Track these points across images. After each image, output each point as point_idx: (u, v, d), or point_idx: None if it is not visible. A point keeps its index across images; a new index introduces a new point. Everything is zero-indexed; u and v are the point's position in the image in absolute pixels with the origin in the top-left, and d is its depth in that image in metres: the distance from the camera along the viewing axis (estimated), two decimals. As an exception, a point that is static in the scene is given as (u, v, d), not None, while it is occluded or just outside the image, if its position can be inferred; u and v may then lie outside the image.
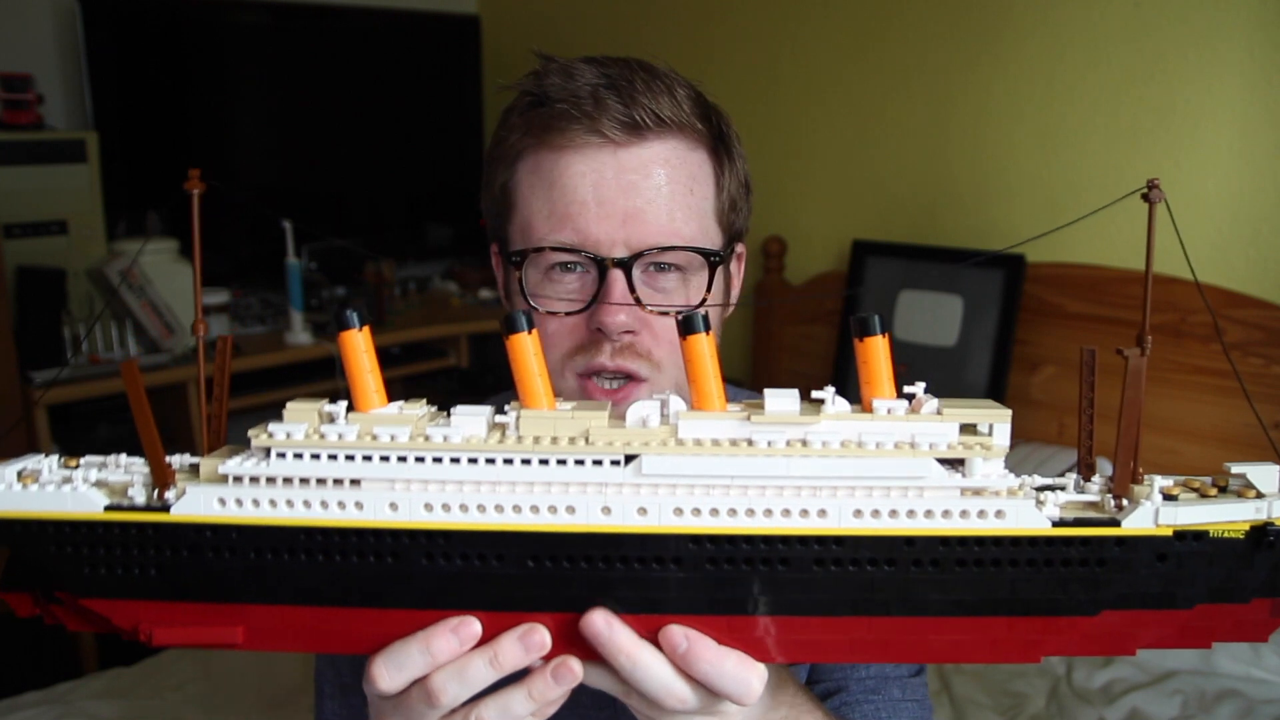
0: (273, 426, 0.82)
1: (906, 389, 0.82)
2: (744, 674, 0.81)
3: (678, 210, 1.10)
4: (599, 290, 1.09)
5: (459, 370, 3.90)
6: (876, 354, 0.81)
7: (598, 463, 0.80)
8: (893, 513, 0.80)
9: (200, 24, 3.71)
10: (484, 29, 4.33)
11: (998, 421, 0.80)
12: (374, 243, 3.98)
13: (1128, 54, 2.73)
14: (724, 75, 3.63)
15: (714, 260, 1.13)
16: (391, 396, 0.85)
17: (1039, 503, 0.81)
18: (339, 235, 3.92)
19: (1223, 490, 0.83)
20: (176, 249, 3.33)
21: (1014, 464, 0.83)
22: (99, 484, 0.85)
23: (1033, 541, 0.80)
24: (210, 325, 3.35)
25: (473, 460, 0.81)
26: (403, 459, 0.81)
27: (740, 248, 1.25)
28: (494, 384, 3.55)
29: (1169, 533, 0.80)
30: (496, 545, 0.80)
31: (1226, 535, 0.81)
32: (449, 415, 0.83)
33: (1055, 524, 0.80)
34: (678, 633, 0.81)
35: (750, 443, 0.80)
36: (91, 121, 3.42)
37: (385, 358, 4.49)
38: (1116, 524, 0.80)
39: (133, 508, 0.83)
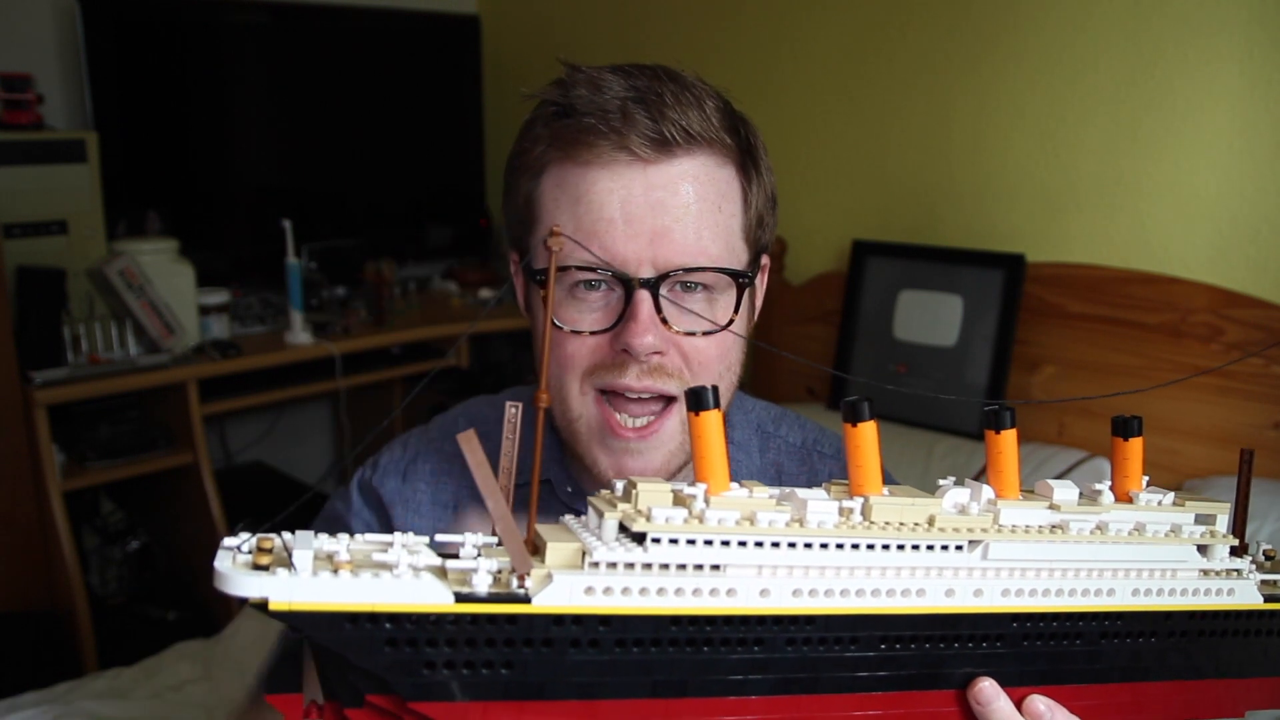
0: (654, 510, 0.77)
1: (1146, 481, 0.94)
2: None
3: (705, 229, 1.09)
4: (625, 310, 1.07)
5: (459, 371, 3.89)
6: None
7: (944, 547, 0.84)
8: (1159, 591, 0.92)
9: (200, 24, 3.71)
10: (484, 29, 4.33)
11: (1220, 513, 0.94)
12: (374, 243, 3.97)
13: (1127, 53, 2.73)
14: (724, 75, 3.61)
15: (741, 281, 1.12)
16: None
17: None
18: (339, 235, 3.92)
19: None
20: (176, 249, 3.33)
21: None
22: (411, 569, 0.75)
23: (1250, 615, 0.95)
24: (210, 325, 3.36)
25: (839, 546, 0.82)
26: (775, 545, 0.80)
27: (765, 260, 1.25)
28: (495, 385, 3.55)
29: None
30: (855, 628, 0.83)
31: None
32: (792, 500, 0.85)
33: (1266, 600, 0.96)
34: (1041, 701, 0.88)
35: (1064, 529, 0.88)
36: (91, 121, 3.42)
37: (385, 358, 4.45)
38: None
39: (477, 597, 0.73)
